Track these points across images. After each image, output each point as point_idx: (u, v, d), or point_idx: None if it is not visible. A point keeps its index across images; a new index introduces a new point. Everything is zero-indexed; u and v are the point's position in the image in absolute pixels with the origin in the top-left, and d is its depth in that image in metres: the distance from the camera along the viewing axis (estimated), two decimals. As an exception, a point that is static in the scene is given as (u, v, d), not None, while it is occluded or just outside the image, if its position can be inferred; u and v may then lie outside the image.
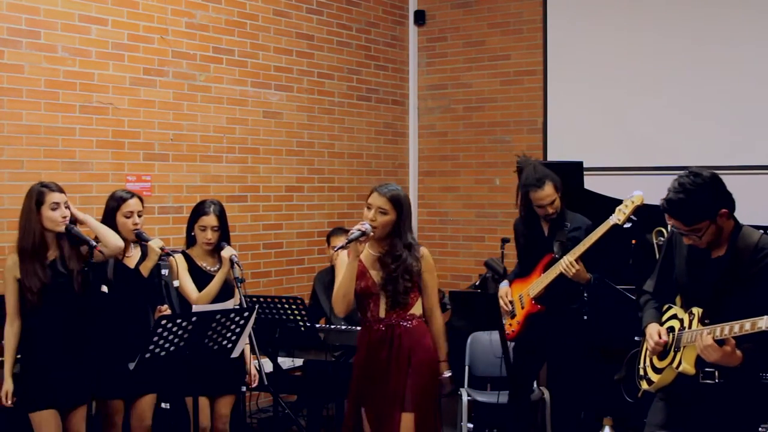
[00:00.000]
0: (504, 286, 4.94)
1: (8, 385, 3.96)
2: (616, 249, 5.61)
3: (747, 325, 3.03)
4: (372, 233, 3.85)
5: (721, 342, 3.12)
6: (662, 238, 5.10)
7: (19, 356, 4.03)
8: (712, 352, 3.13)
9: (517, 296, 4.84)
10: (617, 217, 4.52)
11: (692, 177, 3.21)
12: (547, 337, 4.77)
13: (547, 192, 4.66)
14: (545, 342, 4.81)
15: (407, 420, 3.82)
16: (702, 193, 3.19)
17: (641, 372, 3.59)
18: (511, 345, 5.00)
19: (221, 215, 4.58)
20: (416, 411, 3.84)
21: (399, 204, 3.89)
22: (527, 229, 4.88)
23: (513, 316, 4.83)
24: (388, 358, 3.89)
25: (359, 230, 3.81)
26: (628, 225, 4.56)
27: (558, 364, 4.90)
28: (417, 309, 4.00)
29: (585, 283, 4.68)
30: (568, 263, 4.56)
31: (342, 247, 3.84)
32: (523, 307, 4.80)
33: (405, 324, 3.93)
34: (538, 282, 4.74)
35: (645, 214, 5.41)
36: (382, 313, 3.94)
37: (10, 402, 3.96)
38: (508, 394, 5.01)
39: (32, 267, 3.97)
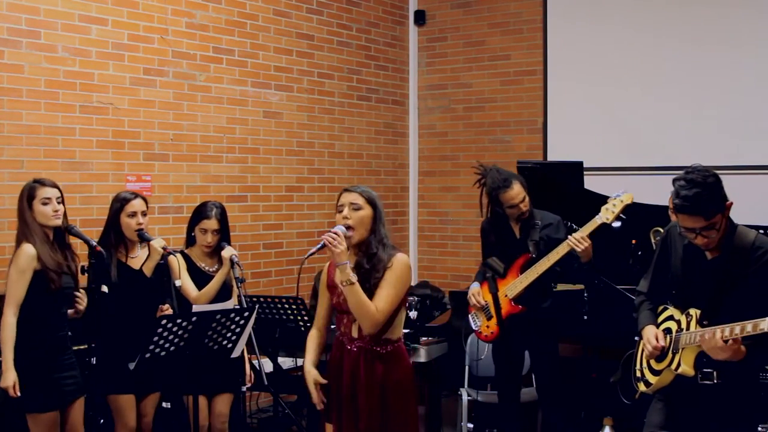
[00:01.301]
0: (475, 287, 4.90)
1: (13, 375, 3.86)
2: (616, 249, 5.62)
3: (749, 327, 3.03)
4: (349, 236, 3.49)
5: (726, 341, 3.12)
6: (659, 237, 5.10)
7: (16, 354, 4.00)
8: (720, 352, 3.12)
9: (491, 298, 4.79)
10: (605, 216, 4.51)
11: (698, 172, 3.21)
12: (524, 336, 4.78)
13: (517, 191, 4.68)
14: (523, 341, 4.83)
15: None
16: (714, 184, 3.19)
17: (638, 374, 3.58)
18: (488, 347, 5.04)
19: (222, 218, 4.60)
20: None
21: (372, 200, 3.56)
22: (498, 231, 4.87)
23: (489, 317, 4.81)
24: (367, 384, 3.55)
25: (323, 240, 3.46)
26: (617, 224, 4.54)
27: (538, 362, 4.91)
28: (395, 332, 3.60)
29: (586, 262, 4.62)
30: (580, 237, 4.49)
31: (306, 258, 3.57)
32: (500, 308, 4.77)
33: (379, 350, 3.55)
34: (517, 283, 4.72)
35: (643, 213, 5.43)
36: (354, 333, 3.58)
37: (19, 392, 3.87)
38: (497, 395, 5.03)
39: (47, 251, 3.95)
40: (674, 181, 3.26)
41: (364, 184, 3.71)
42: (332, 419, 3.65)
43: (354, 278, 3.43)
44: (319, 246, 3.50)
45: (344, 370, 3.59)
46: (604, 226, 4.55)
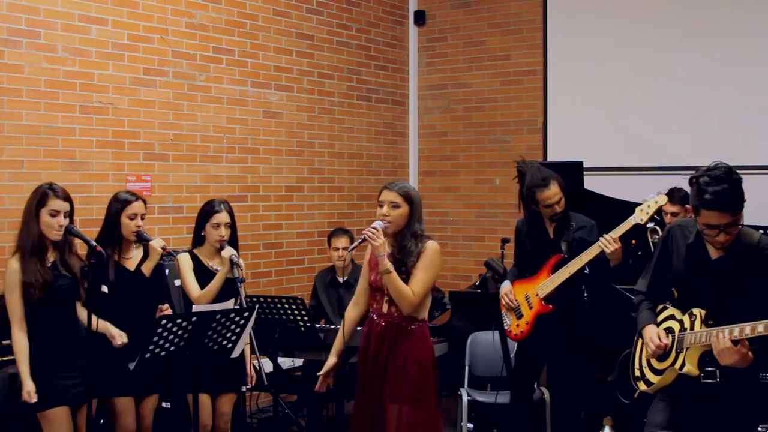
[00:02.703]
0: (507, 285, 4.92)
1: (29, 385, 3.90)
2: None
3: (760, 327, 3.02)
4: (386, 227, 3.94)
5: (734, 343, 3.11)
6: (657, 236, 5.11)
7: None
8: (730, 355, 3.10)
9: (523, 296, 4.83)
10: (639, 217, 4.53)
11: (721, 169, 3.21)
12: (551, 336, 4.77)
13: (554, 191, 4.69)
14: (549, 341, 4.81)
15: (404, 413, 3.87)
16: (739, 181, 3.21)
17: (637, 373, 3.57)
18: (514, 345, 5.02)
19: (231, 212, 4.64)
20: (414, 406, 3.89)
21: (410, 197, 3.99)
22: (532, 231, 4.87)
23: (520, 316, 4.82)
24: (386, 359, 3.96)
25: (363, 235, 3.93)
26: (651, 225, 4.60)
27: (561, 363, 4.90)
28: (421, 312, 4.03)
29: (617, 263, 4.63)
30: (610, 238, 4.52)
31: (351, 250, 4.28)
32: (531, 308, 4.78)
33: (405, 325, 3.97)
34: (548, 282, 4.72)
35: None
36: (384, 309, 4.01)
37: (35, 399, 3.90)
38: (509, 394, 5.01)
39: (33, 264, 3.94)
40: (696, 178, 3.22)
41: (397, 183, 4.10)
42: (364, 392, 4.02)
43: (391, 267, 3.90)
44: (360, 240, 4.00)
45: (371, 342, 4.01)
46: (638, 227, 4.59)
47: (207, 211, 4.63)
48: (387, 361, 3.96)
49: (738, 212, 3.19)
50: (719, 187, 3.15)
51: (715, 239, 3.24)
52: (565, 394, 4.89)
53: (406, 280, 3.93)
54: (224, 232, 4.57)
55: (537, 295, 4.75)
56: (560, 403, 4.93)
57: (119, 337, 4.17)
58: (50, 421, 3.95)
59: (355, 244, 4.12)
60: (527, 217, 4.88)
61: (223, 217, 4.58)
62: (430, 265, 3.98)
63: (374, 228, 3.91)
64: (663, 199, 4.53)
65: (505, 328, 4.93)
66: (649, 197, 4.58)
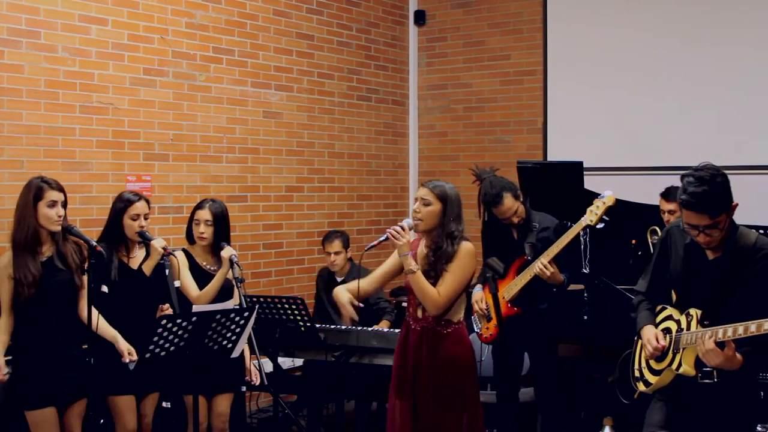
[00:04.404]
0: (477, 292, 4.95)
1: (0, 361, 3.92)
2: (616, 249, 5.63)
3: (752, 327, 3.02)
4: (416, 224, 3.88)
5: (721, 345, 3.11)
6: (656, 237, 5.11)
7: (11, 355, 4.00)
8: (714, 357, 3.12)
9: (491, 299, 4.84)
10: (589, 218, 4.55)
11: (707, 170, 3.20)
12: (520, 337, 4.81)
13: (507, 205, 4.71)
14: (521, 342, 4.86)
15: (458, 419, 3.86)
16: (722, 184, 3.19)
17: (637, 374, 3.58)
18: (488, 348, 5.07)
19: (217, 212, 4.59)
20: (465, 411, 3.88)
21: (444, 196, 3.88)
22: (495, 234, 4.92)
23: (489, 319, 4.86)
24: (428, 361, 3.88)
25: (387, 233, 3.85)
26: (600, 225, 4.56)
27: (536, 363, 4.95)
28: (455, 314, 3.92)
29: (558, 284, 4.71)
30: (542, 265, 4.58)
31: (368, 250, 4.00)
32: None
33: (441, 329, 3.88)
34: (513, 285, 4.78)
35: (643, 213, 5.43)
36: (419, 314, 3.93)
37: (4, 373, 3.93)
38: (495, 395, 5.06)
39: (24, 260, 3.94)
40: (683, 177, 3.24)
41: (434, 181, 3.98)
42: (401, 396, 3.94)
43: (416, 267, 3.83)
44: (382, 238, 3.92)
45: (408, 348, 3.92)
46: (589, 228, 4.60)
47: (194, 208, 4.64)
48: (426, 366, 3.87)
49: (717, 215, 3.17)
50: (699, 189, 3.15)
51: (697, 238, 3.25)
52: (549, 393, 4.92)
53: (437, 282, 3.82)
54: (203, 229, 4.54)
55: (503, 297, 4.78)
56: (549, 402, 4.95)
57: (128, 355, 4.10)
58: (36, 421, 3.94)
59: (375, 242, 3.98)
60: (489, 223, 4.92)
61: (202, 214, 4.55)
62: (461, 265, 3.84)
63: (399, 226, 3.85)
64: (610, 200, 4.51)
65: (477, 331, 4.99)
66: (600, 197, 4.56)
